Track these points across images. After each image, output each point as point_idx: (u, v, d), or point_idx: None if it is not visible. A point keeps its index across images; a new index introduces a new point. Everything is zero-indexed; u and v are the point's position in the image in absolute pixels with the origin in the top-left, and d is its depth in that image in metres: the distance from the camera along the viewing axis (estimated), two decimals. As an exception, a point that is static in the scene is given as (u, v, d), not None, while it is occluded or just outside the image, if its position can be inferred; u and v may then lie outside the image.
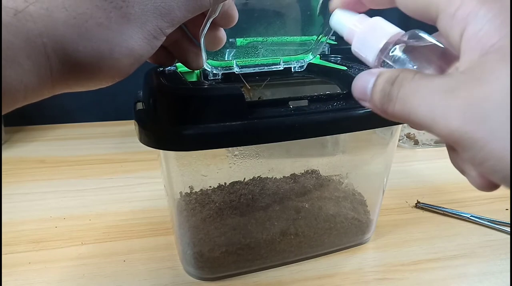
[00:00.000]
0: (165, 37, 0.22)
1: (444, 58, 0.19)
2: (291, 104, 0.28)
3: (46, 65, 0.18)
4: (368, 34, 0.22)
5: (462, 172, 0.18)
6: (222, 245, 0.32)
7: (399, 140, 0.65)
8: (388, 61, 0.21)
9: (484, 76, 0.14)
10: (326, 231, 0.35)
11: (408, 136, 0.65)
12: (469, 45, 0.15)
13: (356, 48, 0.23)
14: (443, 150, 0.62)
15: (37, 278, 0.33)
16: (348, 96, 0.30)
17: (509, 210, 0.43)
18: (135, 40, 0.20)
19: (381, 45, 0.21)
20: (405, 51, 0.20)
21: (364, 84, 0.20)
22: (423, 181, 0.51)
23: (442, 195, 0.45)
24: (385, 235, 0.39)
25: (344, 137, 0.35)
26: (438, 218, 0.42)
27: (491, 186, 0.17)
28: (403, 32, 0.21)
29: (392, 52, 0.21)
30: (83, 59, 0.19)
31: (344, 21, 0.23)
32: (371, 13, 0.24)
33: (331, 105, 0.29)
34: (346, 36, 0.23)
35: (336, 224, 0.35)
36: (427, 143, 0.64)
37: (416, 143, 0.64)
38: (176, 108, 0.23)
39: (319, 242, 0.35)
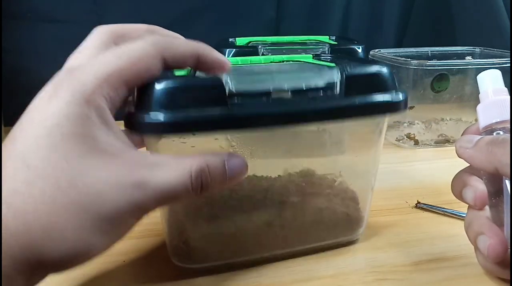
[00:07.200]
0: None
1: None
2: (273, 95, 0.28)
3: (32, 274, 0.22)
4: (492, 107, 0.28)
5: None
6: (208, 235, 0.33)
7: (399, 140, 0.65)
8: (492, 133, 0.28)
9: None
10: (313, 224, 0.35)
11: (408, 136, 0.64)
12: None
13: (480, 109, 0.29)
14: (443, 150, 0.62)
15: (36, 279, 0.33)
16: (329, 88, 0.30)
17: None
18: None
19: (494, 121, 0.28)
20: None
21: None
22: (423, 181, 0.51)
23: (443, 195, 0.45)
24: (385, 235, 0.39)
25: (336, 136, 0.35)
26: (438, 218, 0.42)
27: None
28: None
29: (495, 133, 0.28)
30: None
31: (486, 84, 0.29)
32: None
33: (313, 95, 0.29)
34: (480, 95, 0.29)
35: (324, 217, 0.35)
36: (428, 143, 0.64)
37: (416, 143, 0.64)
38: (155, 97, 0.24)
39: (307, 235, 0.35)
